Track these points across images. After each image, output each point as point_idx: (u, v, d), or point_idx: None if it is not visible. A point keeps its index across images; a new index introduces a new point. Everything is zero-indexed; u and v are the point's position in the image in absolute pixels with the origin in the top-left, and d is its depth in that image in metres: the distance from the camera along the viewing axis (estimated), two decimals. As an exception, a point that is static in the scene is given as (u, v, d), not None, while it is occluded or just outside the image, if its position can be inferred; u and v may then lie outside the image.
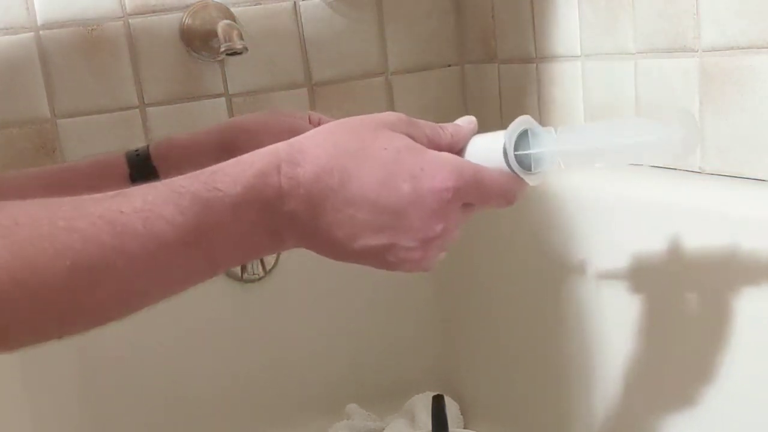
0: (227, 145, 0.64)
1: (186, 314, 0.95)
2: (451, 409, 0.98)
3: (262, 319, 1.01)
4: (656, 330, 0.70)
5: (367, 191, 0.44)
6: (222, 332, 1.00)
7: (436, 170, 0.45)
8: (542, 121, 0.94)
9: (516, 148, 0.48)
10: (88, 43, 0.96)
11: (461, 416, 1.00)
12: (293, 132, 0.51)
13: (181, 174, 0.42)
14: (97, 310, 0.39)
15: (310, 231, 0.45)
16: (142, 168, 0.65)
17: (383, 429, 0.98)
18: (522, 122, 0.48)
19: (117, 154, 0.67)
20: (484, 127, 0.53)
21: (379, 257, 0.47)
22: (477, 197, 0.47)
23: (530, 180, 0.49)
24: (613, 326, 0.75)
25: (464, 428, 0.97)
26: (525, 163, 0.48)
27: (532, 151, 0.48)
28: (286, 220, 0.44)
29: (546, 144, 0.48)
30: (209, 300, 0.98)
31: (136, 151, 0.66)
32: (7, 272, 0.36)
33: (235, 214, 0.42)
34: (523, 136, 0.49)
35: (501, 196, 0.48)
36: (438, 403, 0.68)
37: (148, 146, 0.67)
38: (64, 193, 0.40)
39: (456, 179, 0.45)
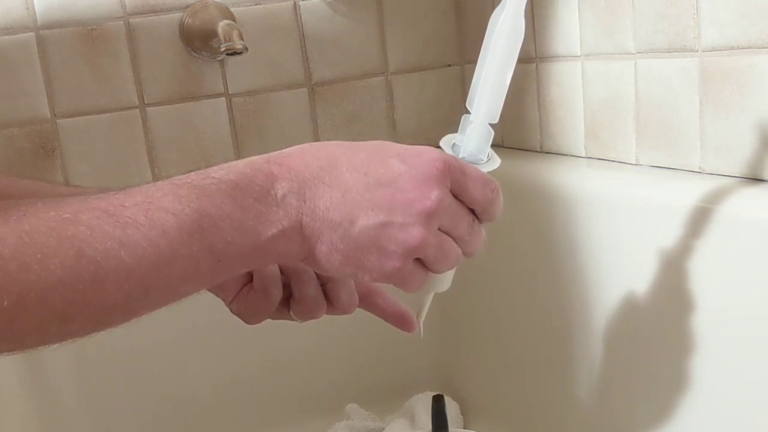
0: None
1: (186, 313, 0.94)
2: (451, 409, 0.98)
3: (262, 319, 1.01)
4: (658, 331, 0.70)
5: (357, 166, 0.46)
6: (221, 332, 1.00)
7: (420, 149, 0.47)
8: (542, 120, 0.94)
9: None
10: (88, 43, 0.95)
11: (461, 416, 1.00)
12: None
13: None
14: (100, 305, 0.39)
15: (309, 219, 0.45)
16: None
17: (383, 429, 0.98)
18: (447, 140, 0.52)
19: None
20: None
21: (381, 249, 0.46)
22: (463, 177, 0.48)
23: (486, 167, 0.51)
24: (613, 326, 0.75)
25: (464, 428, 0.97)
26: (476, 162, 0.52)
27: (470, 149, 0.51)
28: (283, 207, 0.44)
29: (469, 136, 0.51)
30: (209, 299, 0.97)
31: None
32: (12, 258, 0.36)
33: (231, 200, 0.43)
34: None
35: (483, 177, 0.49)
36: (438, 403, 0.68)
37: None
38: None
39: (441, 154, 0.47)
